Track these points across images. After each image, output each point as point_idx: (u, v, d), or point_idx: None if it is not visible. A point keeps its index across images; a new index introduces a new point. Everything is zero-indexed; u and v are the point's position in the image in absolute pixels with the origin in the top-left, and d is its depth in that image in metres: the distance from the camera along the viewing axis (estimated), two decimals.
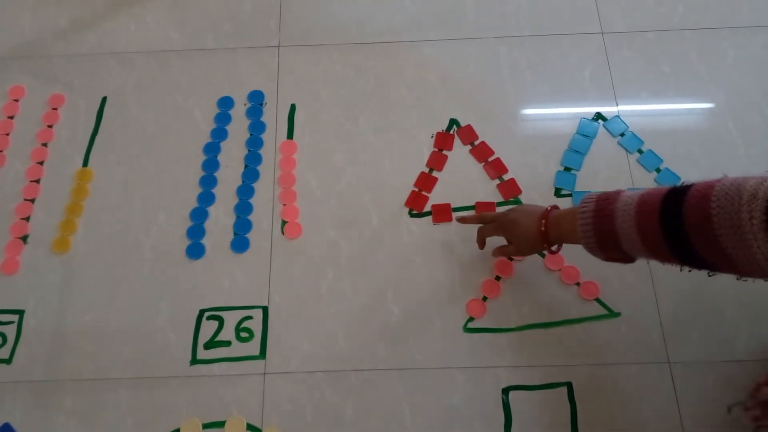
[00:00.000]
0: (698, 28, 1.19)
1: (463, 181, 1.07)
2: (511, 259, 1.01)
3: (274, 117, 1.14)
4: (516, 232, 0.89)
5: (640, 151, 1.09)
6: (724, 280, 0.96)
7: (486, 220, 0.96)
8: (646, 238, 0.70)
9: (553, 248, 0.87)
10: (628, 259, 0.78)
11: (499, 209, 1.03)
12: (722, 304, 0.97)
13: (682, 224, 0.66)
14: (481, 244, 0.98)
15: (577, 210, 0.79)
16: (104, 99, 1.16)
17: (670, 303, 0.98)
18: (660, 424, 0.91)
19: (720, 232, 0.62)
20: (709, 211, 0.63)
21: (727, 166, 1.07)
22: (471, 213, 1.02)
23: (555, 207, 0.87)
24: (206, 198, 1.07)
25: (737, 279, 0.69)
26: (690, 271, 0.72)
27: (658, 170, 1.07)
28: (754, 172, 1.05)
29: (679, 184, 0.70)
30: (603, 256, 0.78)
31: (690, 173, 1.06)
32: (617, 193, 0.76)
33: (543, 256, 1.01)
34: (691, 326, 0.96)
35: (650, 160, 1.08)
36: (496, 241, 0.97)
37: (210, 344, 0.97)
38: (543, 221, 0.84)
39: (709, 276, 0.73)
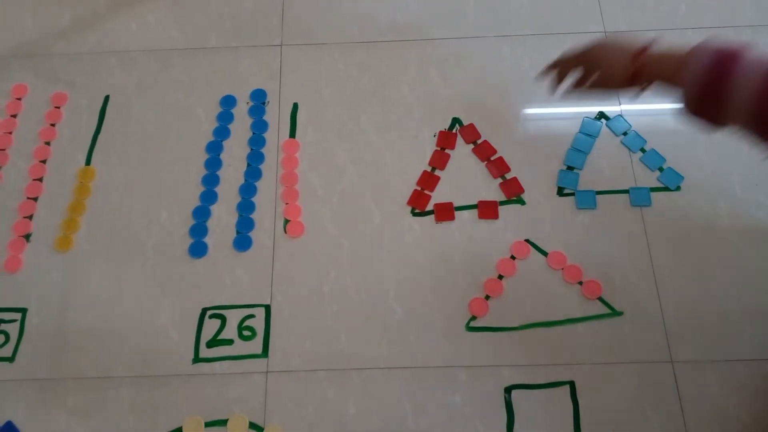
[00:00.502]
0: (700, 27, 1.19)
1: (466, 180, 1.07)
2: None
3: (276, 116, 1.14)
4: (605, 58, 0.83)
5: (642, 150, 1.09)
6: (728, 280, 0.97)
7: (572, 53, 0.89)
8: (764, 98, 0.66)
9: (643, 86, 0.80)
10: (722, 121, 0.72)
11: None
12: (725, 303, 0.97)
13: None
14: (554, 68, 0.92)
15: (691, 54, 0.72)
16: (107, 98, 1.16)
17: (672, 302, 0.98)
18: (663, 423, 0.91)
19: None
20: None
21: (730, 165, 1.07)
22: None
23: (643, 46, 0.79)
24: (209, 196, 1.07)
25: None
26: None
27: (660, 169, 1.07)
28: (758, 171, 1.06)
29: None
30: (699, 105, 0.73)
31: (693, 172, 1.06)
32: (740, 50, 0.70)
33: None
34: (694, 325, 0.96)
35: (653, 160, 1.08)
36: None
37: (212, 342, 0.97)
38: (645, 49, 0.78)
39: None
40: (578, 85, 0.90)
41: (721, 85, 0.69)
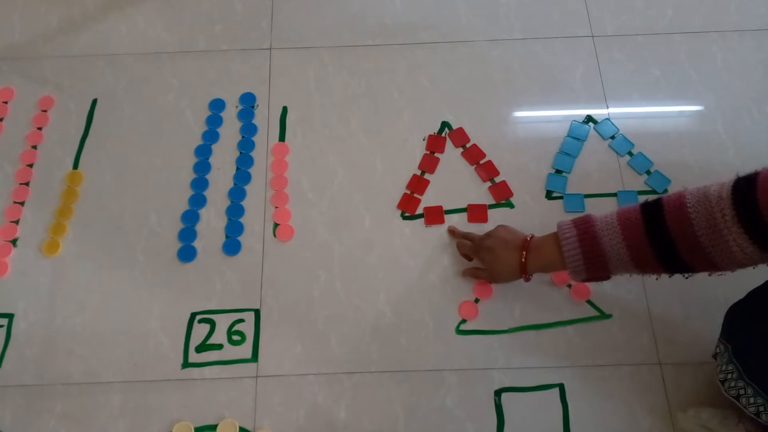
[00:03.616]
0: (687, 32, 1.20)
1: (455, 184, 1.08)
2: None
3: (265, 119, 1.14)
4: (491, 260, 0.92)
5: (630, 154, 1.10)
6: (714, 282, 0.98)
7: (469, 238, 0.99)
8: (635, 250, 0.76)
9: (529, 277, 0.90)
10: (606, 277, 0.82)
11: (476, 231, 1.03)
12: (712, 305, 0.97)
13: (667, 232, 0.74)
14: (466, 257, 1.00)
15: (558, 237, 0.83)
16: (94, 101, 1.15)
17: (660, 304, 0.98)
18: (651, 424, 0.91)
19: (700, 233, 0.71)
20: (689, 217, 0.72)
21: (717, 168, 1.08)
22: (460, 230, 1.02)
23: (531, 236, 0.89)
24: (198, 200, 1.07)
25: (709, 275, 0.79)
26: (670, 276, 0.79)
27: (648, 173, 1.08)
28: (743, 173, 1.07)
29: (642, 202, 0.78)
30: (585, 276, 0.82)
31: (680, 175, 1.07)
32: (588, 216, 0.81)
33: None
34: (681, 327, 0.97)
35: (641, 163, 1.09)
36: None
37: (202, 347, 0.97)
38: (524, 252, 0.87)
39: (685, 278, 0.80)
40: (473, 275, 0.99)
41: (597, 250, 0.79)
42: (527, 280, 0.90)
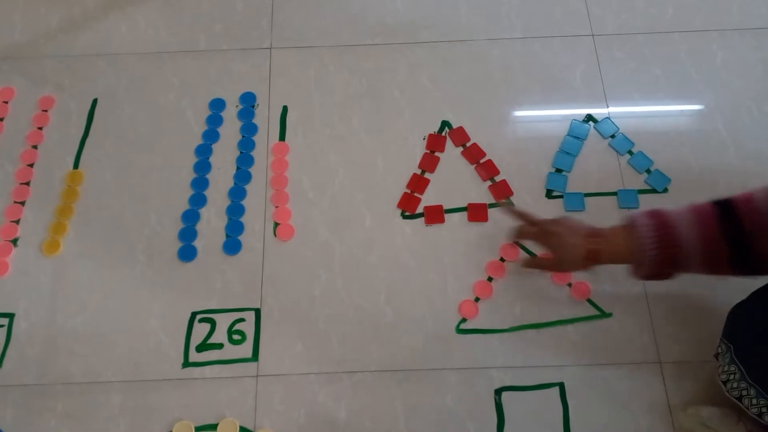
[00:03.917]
0: (687, 30, 1.20)
1: (455, 183, 1.08)
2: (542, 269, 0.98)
3: (266, 119, 1.14)
4: (558, 246, 0.87)
5: (630, 153, 1.10)
6: (714, 282, 0.98)
7: (529, 220, 0.93)
8: (708, 244, 0.76)
9: (592, 269, 0.87)
10: (669, 274, 0.82)
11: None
12: (712, 304, 0.98)
13: (741, 224, 0.74)
14: (514, 241, 0.97)
15: (629, 228, 0.81)
16: (95, 101, 1.15)
17: (661, 303, 0.98)
18: (651, 423, 0.91)
19: None
20: (761, 210, 0.72)
21: (717, 167, 1.08)
22: (518, 208, 0.97)
23: (593, 227, 0.86)
24: (198, 200, 1.07)
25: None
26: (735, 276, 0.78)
27: (648, 171, 1.08)
28: (744, 173, 1.07)
29: (710, 199, 0.78)
30: (650, 270, 0.81)
31: (680, 174, 1.07)
32: (661, 209, 0.80)
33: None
34: (681, 326, 0.97)
35: (641, 162, 1.09)
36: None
37: (202, 347, 0.97)
38: (595, 239, 0.84)
39: (755, 280, 0.79)
40: (535, 264, 0.97)
41: (673, 242, 0.77)
42: (589, 269, 0.87)
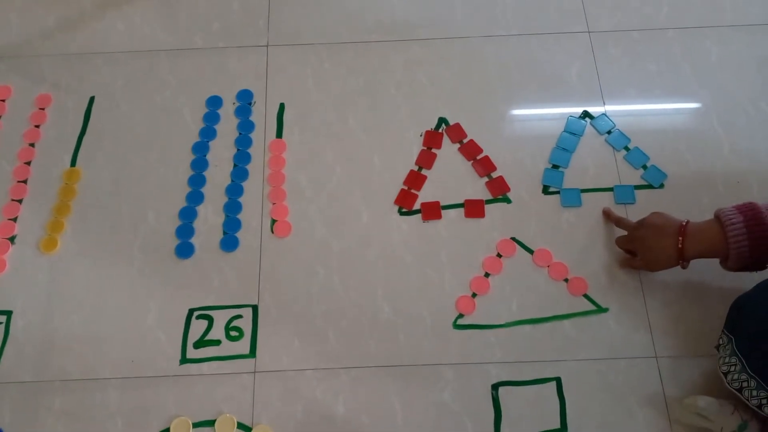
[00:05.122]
0: (682, 27, 1.21)
1: (452, 179, 1.08)
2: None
3: (263, 116, 1.14)
4: (644, 250, 0.92)
5: (626, 149, 1.10)
6: (710, 276, 0.98)
7: (621, 225, 0.98)
8: None
9: (685, 265, 0.89)
10: (762, 266, 0.84)
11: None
12: (708, 299, 0.98)
13: None
14: (627, 252, 1.00)
15: (722, 221, 0.83)
16: (92, 99, 1.16)
17: (657, 298, 0.99)
18: (648, 418, 0.92)
19: None
20: None
21: (713, 163, 1.08)
22: (615, 214, 1.02)
23: (687, 222, 0.88)
24: (195, 197, 1.07)
25: None
26: None
27: (644, 167, 1.08)
28: (739, 168, 1.08)
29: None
30: (745, 262, 0.82)
31: (676, 170, 1.08)
32: (752, 203, 0.82)
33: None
34: (677, 321, 0.97)
35: (637, 158, 1.09)
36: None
37: (199, 343, 0.97)
38: (680, 238, 0.86)
39: None
40: (629, 265, 0.99)
41: (763, 235, 0.79)
42: (684, 267, 0.89)
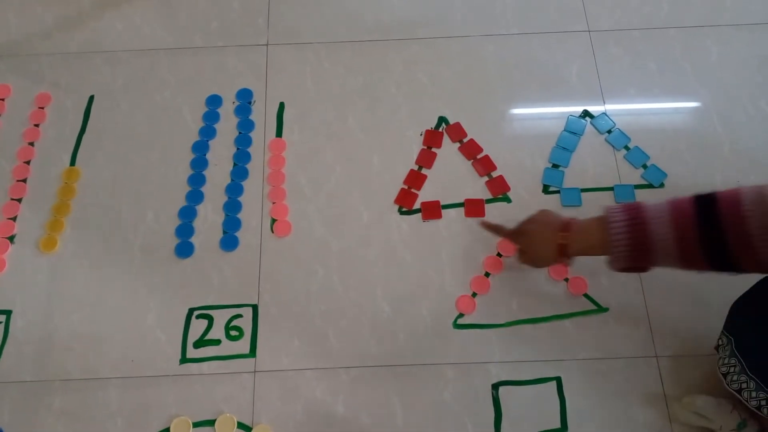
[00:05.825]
0: (683, 27, 1.20)
1: (452, 179, 1.08)
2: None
3: (262, 115, 1.14)
4: (527, 244, 0.89)
5: (627, 148, 1.10)
6: (710, 276, 0.98)
7: (501, 233, 0.95)
8: (683, 241, 0.73)
9: (568, 262, 0.87)
10: (644, 268, 0.80)
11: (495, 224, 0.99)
12: (708, 298, 0.98)
13: (719, 226, 0.71)
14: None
15: (605, 221, 0.79)
16: (91, 98, 1.15)
17: (657, 298, 0.99)
18: (648, 417, 0.92)
19: (754, 231, 0.68)
20: (744, 214, 0.69)
21: (713, 162, 1.08)
22: (493, 222, 0.97)
23: (573, 219, 0.85)
24: (195, 196, 1.07)
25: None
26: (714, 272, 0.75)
27: (644, 166, 1.08)
28: (739, 168, 1.08)
29: (695, 194, 0.75)
30: (625, 264, 0.79)
31: (676, 169, 1.07)
32: (639, 203, 0.78)
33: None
34: (677, 321, 0.97)
35: (637, 157, 1.09)
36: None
37: (199, 343, 0.97)
38: (563, 234, 0.83)
39: (731, 275, 0.76)
40: (518, 262, 0.94)
41: (644, 237, 0.75)
42: (566, 264, 0.87)
